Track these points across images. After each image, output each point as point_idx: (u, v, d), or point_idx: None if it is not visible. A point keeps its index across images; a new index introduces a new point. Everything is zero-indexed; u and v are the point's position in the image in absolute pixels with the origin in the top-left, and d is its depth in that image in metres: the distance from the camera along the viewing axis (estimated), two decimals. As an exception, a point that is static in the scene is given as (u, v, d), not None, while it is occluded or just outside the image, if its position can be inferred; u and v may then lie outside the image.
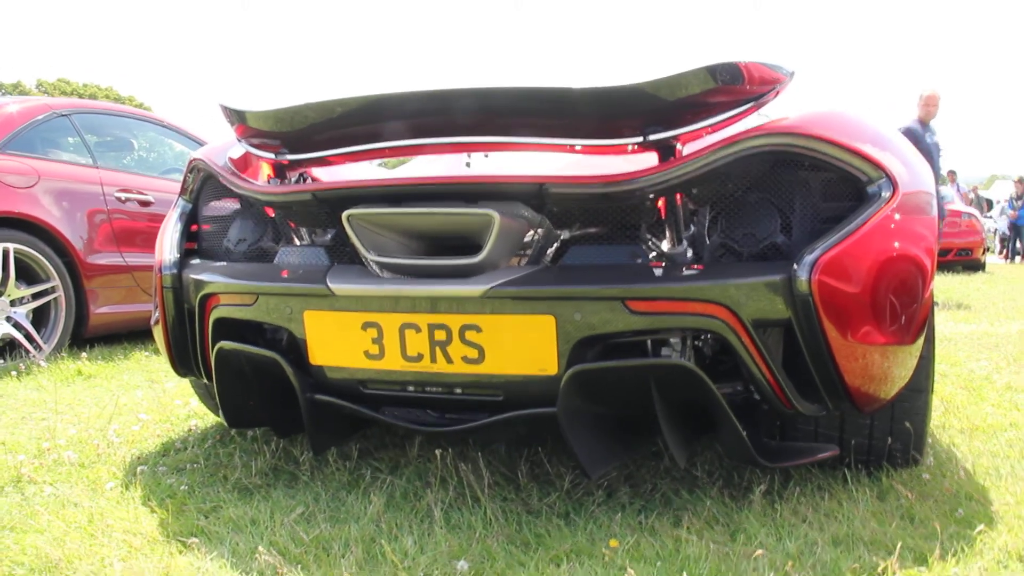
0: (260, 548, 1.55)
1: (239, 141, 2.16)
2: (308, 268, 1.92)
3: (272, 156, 2.06)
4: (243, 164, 2.22)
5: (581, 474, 1.95)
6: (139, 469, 2.12)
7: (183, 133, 4.87)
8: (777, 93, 1.84)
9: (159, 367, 3.83)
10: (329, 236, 2.08)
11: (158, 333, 2.25)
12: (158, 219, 4.27)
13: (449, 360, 1.74)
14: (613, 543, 1.59)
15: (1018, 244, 13.05)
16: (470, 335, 1.71)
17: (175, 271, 2.12)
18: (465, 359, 1.73)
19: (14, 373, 3.48)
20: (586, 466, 1.73)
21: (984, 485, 1.93)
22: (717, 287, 1.62)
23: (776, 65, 1.80)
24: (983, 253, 11.92)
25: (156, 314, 2.23)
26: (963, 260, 11.75)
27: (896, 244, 1.71)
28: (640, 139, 1.75)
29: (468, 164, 2.24)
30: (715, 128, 1.77)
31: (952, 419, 2.60)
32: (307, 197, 1.87)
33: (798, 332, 1.65)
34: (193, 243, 2.29)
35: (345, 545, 1.59)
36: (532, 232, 1.80)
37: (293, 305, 1.85)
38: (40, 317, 3.84)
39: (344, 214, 1.78)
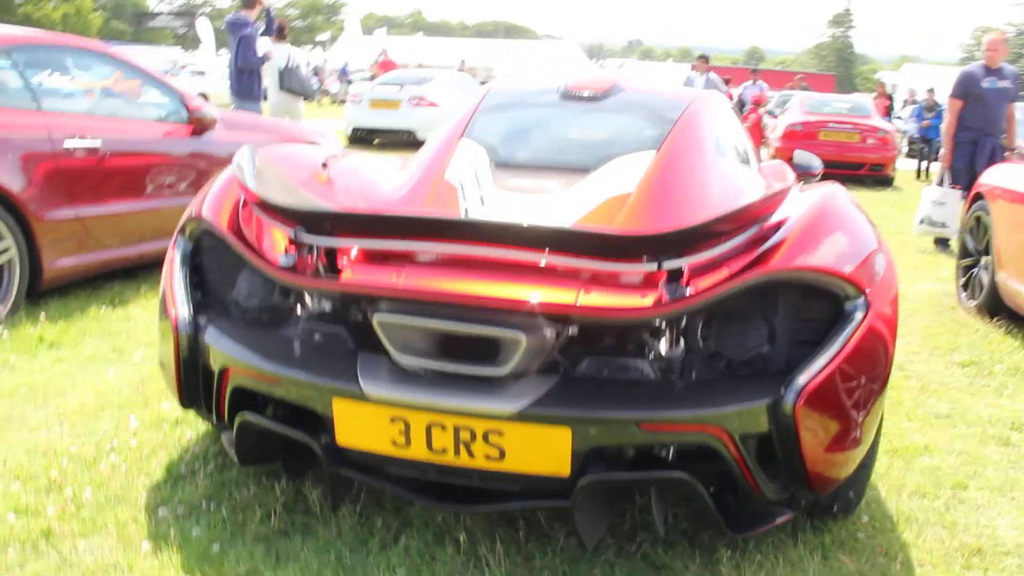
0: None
1: (251, 205, 2.19)
2: (336, 359, 2.03)
3: (290, 231, 2.10)
4: (249, 220, 2.25)
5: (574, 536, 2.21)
6: (160, 513, 2.26)
7: (129, 64, 4.61)
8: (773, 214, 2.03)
9: (120, 328, 3.85)
10: (342, 309, 2.15)
11: (167, 375, 2.33)
12: (109, 163, 4.15)
13: (471, 455, 1.93)
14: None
15: (925, 163, 13.56)
16: (493, 438, 1.90)
17: (191, 332, 2.18)
18: (487, 456, 1.92)
19: (-23, 343, 3.46)
20: (585, 540, 1.99)
21: (906, 540, 2.31)
22: (719, 414, 1.86)
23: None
24: (893, 169, 12.53)
25: (165, 356, 2.29)
26: (875, 175, 12.37)
27: (867, 362, 1.97)
28: (655, 265, 1.90)
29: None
30: (726, 260, 1.95)
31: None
32: (336, 294, 1.96)
33: (777, 443, 1.92)
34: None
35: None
36: (551, 343, 1.96)
37: (322, 392, 1.98)
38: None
39: (375, 319, 1.91)
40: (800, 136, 12.67)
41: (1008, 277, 4.38)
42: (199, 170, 4.77)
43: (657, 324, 1.96)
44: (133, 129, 4.46)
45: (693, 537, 2.24)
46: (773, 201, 2.05)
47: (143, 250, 4.50)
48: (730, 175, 2.83)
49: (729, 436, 1.88)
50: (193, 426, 2.82)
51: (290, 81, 8.29)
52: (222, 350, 2.12)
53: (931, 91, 15.65)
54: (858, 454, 2.10)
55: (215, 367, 2.15)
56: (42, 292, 4.02)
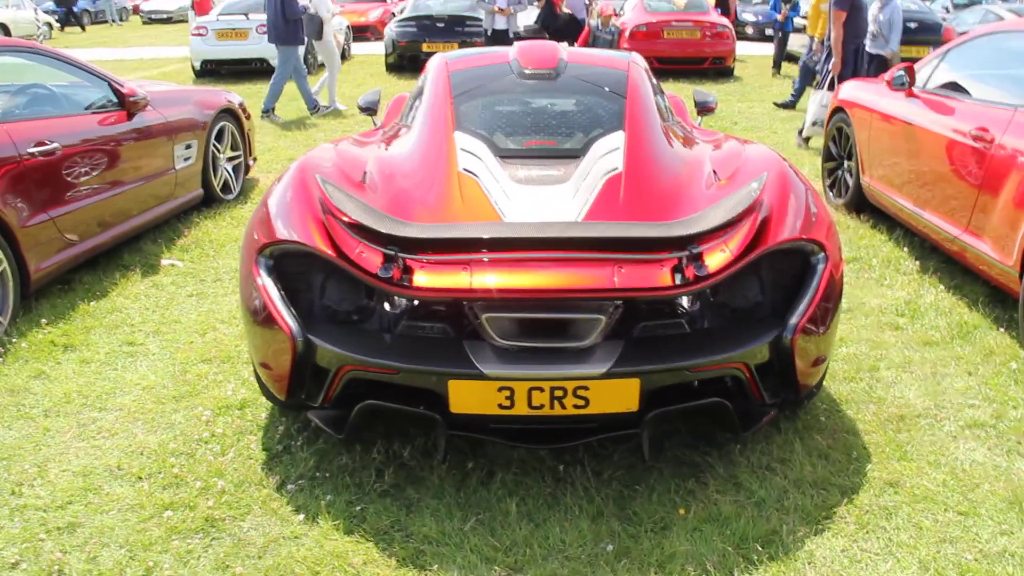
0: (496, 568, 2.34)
1: (344, 226, 2.58)
2: (442, 349, 2.52)
3: (384, 250, 2.52)
4: (340, 238, 2.62)
5: (630, 459, 2.85)
6: (288, 488, 2.71)
7: (60, 57, 4.57)
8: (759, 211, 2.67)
9: (115, 320, 4.06)
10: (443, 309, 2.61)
11: (272, 374, 2.71)
12: (66, 161, 4.23)
13: (563, 407, 2.50)
14: (682, 511, 2.56)
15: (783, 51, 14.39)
16: (580, 392, 2.48)
17: (304, 338, 2.57)
18: (575, 406, 2.50)
19: (-1, 358, 3.61)
20: (647, 454, 2.64)
21: (851, 416, 3.12)
22: (741, 353, 2.53)
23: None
24: (733, 60, 13.59)
25: (273, 359, 2.66)
26: (717, 67, 13.39)
27: (830, 296, 2.69)
28: (687, 254, 2.50)
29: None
30: (728, 240, 2.58)
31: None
32: (451, 299, 2.45)
33: (778, 366, 2.62)
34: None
35: (539, 545, 2.41)
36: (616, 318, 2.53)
37: (439, 376, 2.47)
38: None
39: (484, 316, 2.41)
40: (645, 36, 13.45)
41: (871, 181, 5.31)
42: (137, 151, 4.93)
43: (688, 297, 2.59)
44: (80, 124, 4.50)
45: (709, 439, 2.95)
46: (761, 196, 2.68)
47: (104, 237, 4.65)
48: (679, 145, 3.46)
49: (747, 367, 2.57)
50: (260, 408, 3.21)
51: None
52: (339, 351, 2.54)
53: None
54: (827, 363, 2.85)
55: (330, 365, 2.57)
56: (28, 295, 4.13)
